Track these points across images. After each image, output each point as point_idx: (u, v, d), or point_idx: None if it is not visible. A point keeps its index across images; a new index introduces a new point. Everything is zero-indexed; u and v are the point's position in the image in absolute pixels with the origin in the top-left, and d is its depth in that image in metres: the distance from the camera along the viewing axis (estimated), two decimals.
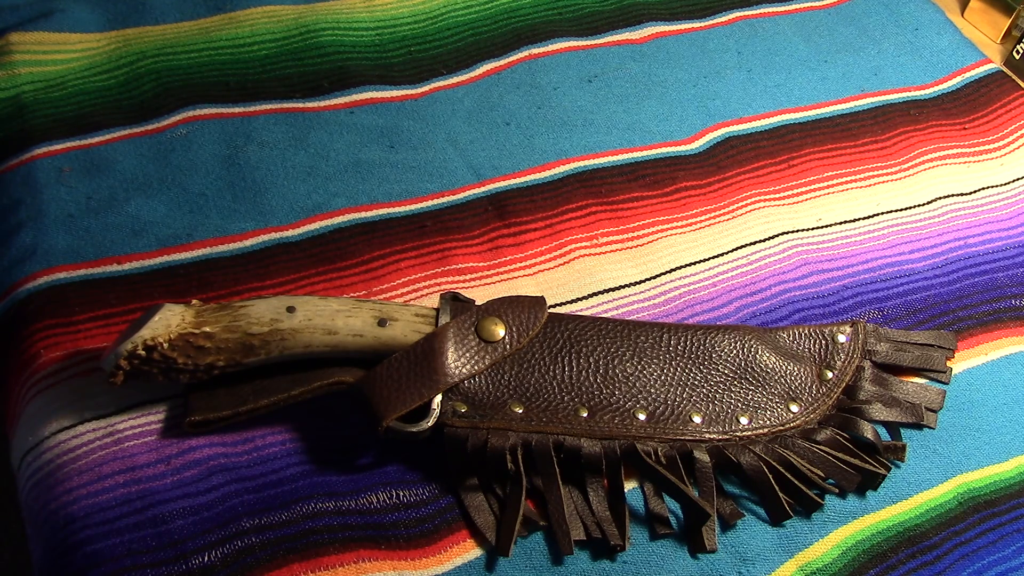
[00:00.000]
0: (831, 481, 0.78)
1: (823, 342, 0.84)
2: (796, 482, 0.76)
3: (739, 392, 0.80)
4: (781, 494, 0.76)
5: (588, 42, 1.14)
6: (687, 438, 0.77)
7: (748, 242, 0.96)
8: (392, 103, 1.04)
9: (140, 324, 0.71)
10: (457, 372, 0.75)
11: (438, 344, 0.75)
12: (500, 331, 0.77)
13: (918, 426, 0.83)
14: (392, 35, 1.11)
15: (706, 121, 1.08)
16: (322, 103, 1.02)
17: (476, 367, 0.76)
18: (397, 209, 0.93)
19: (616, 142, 1.03)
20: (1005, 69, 1.28)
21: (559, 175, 0.99)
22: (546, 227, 0.94)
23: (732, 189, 1.01)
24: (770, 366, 0.82)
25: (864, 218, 1.01)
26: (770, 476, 0.76)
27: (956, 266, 0.98)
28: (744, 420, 0.78)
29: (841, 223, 1.00)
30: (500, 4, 1.17)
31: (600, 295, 0.89)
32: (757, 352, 0.82)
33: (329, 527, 0.71)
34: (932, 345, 0.88)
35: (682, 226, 0.97)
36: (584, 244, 0.93)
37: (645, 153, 1.03)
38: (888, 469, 0.79)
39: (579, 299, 0.89)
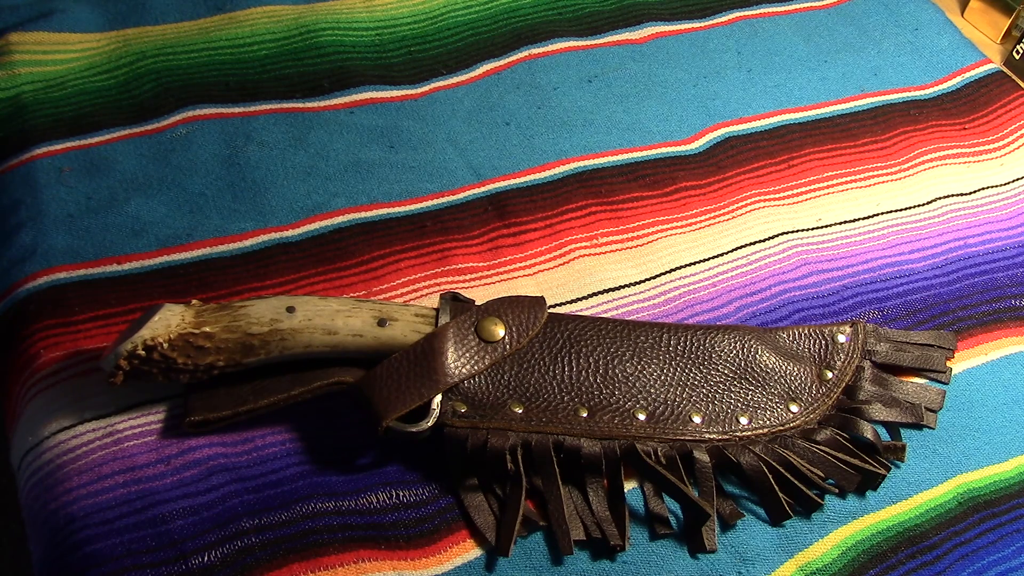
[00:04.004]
0: (831, 481, 0.78)
1: (823, 342, 0.84)
2: (796, 482, 0.76)
3: (739, 392, 0.80)
4: (781, 494, 0.76)
5: (588, 42, 1.14)
6: (687, 438, 0.77)
7: (748, 242, 0.96)
8: (392, 103, 1.03)
9: (140, 324, 0.71)
10: (457, 372, 0.75)
11: (438, 344, 0.75)
12: (500, 331, 0.77)
13: (918, 426, 0.83)
14: (392, 35, 1.11)
15: (706, 121, 1.08)
16: (322, 103, 1.02)
17: (476, 367, 0.76)
18: (397, 209, 0.93)
19: (616, 142, 1.03)
20: (1005, 69, 1.28)
21: (559, 175, 0.99)
22: (546, 227, 0.94)
23: (732, 189, 1.01)
24: (770, 366, 0.82)
25: (864, 218, 1.01)
26: (770, 476, 0.76)
27: (956, 266, 0.98)
28: (744, 420, 0.78)
29: (841, 223, 1.00)
30: (500, 4, 1.17)
31: (600, 295, 0.89)
32: (757, 352, 0.82)
33: (329, 527, 0.71)
34: (932, 345, 0.88)
35: (682, 226, 0.97)
36: (584, 244, 0.93)
37: (645, 153, 1.03)
38: (888, 469, 0.79)
39: (579, 299, 0.89)
